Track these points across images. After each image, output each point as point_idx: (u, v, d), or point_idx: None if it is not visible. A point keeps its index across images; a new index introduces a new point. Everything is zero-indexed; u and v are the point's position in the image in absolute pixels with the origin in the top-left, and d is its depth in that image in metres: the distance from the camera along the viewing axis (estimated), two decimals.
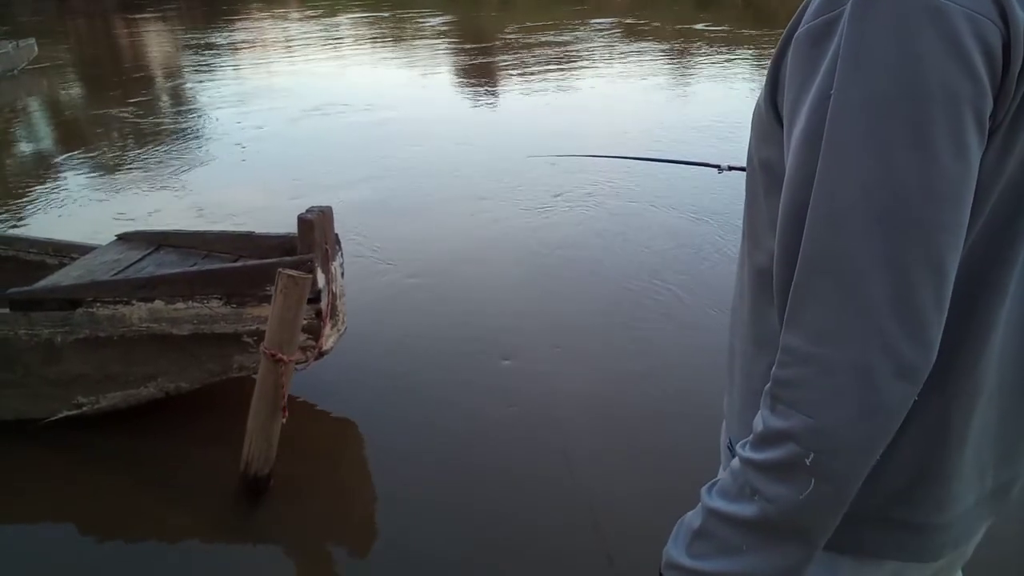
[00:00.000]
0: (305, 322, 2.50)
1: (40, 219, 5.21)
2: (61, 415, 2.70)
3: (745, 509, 0.69)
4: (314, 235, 2.46)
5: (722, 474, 0.92)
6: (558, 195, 5.27)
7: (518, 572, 2.15)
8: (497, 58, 12.05)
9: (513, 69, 10.84)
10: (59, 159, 6.80)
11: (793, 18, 0.70)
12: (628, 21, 15.65)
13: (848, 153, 0.60)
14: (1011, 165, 0.63)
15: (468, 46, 13.66)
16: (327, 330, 2.58)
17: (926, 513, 0.75)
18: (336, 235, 2.63)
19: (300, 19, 18.91)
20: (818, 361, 0.63)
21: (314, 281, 2.46)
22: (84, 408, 2.70)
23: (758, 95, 0.77)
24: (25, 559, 2.27)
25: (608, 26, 14.96)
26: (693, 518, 0.76)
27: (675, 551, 0.75)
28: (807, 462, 0.63)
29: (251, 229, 3.13)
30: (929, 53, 0.57)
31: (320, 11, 20.38)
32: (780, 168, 0.71)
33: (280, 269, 2.20)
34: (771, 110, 0.73)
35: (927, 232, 0.59)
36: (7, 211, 5.38)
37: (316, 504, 2.44)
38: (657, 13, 17.20)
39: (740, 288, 0.87)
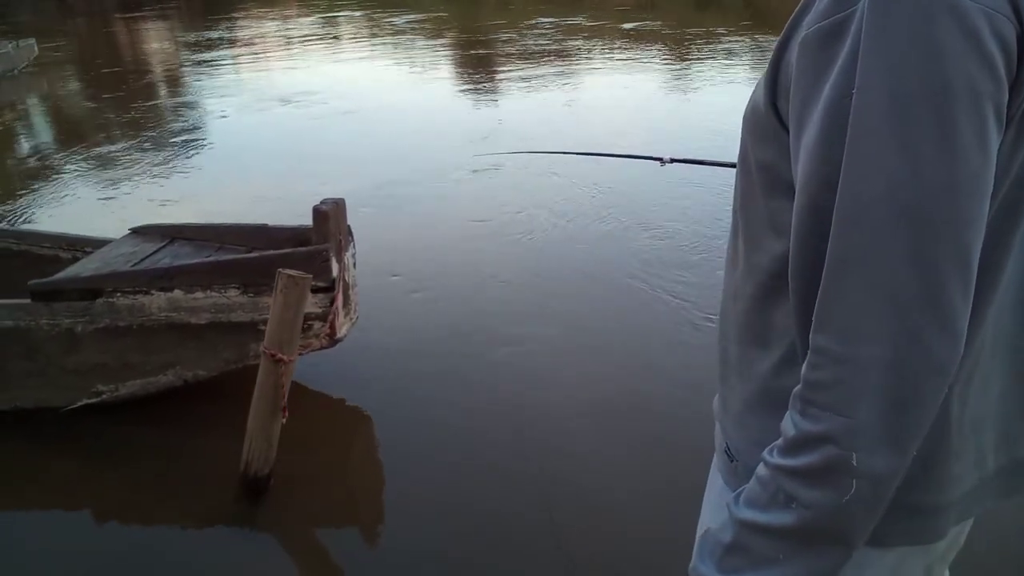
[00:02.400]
0: (319, 310, 2.58)
1: (38, 217, 5.26)
2: (80, 403, 2.76)
3: (780, 518, 0.67)
4: (329, 226, 2.53)
5: (716, 478, 0.92)
6: (530, 190, 5.29)
7: (518, 573, 2.16)
8: (457, 52, 12.54)
9: (479, 63, 11.21)
10: (58, 157, 6.84)
11: (790, 21, 0.69)
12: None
13: (873, 151, 0.60)
14: (1022, 155, 0.65)
15: (426, 42, 13.89)
16: (340, 318, 2.65)
17: (928, 494, 0.75)
18: (348, 226, 2.70)
19: (284, 19, 18.97)
20: (851, 360, 0.63)
21: (329, 270, 2.54)
22: (103, 396, 2.76)
23: (752, 96, 0.77)
24: (27, 553, 2.28)
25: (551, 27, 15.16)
26: (720, 532, 0.74)
27: (704, 568, 0.74)
28: (852, 463, 0.63)
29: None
30: (951, 51, 0.58)
31: (298, 11, 20.48)
32: (782, 169, 0.72)
33: (280, 269, 2.20)
34: (772, 112, 0.72)
35: (953, 227, 0.60)
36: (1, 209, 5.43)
37: (316, 503, 2.45)
38: (655, 13, 17.27)
39: (732, 290, 0.85)
